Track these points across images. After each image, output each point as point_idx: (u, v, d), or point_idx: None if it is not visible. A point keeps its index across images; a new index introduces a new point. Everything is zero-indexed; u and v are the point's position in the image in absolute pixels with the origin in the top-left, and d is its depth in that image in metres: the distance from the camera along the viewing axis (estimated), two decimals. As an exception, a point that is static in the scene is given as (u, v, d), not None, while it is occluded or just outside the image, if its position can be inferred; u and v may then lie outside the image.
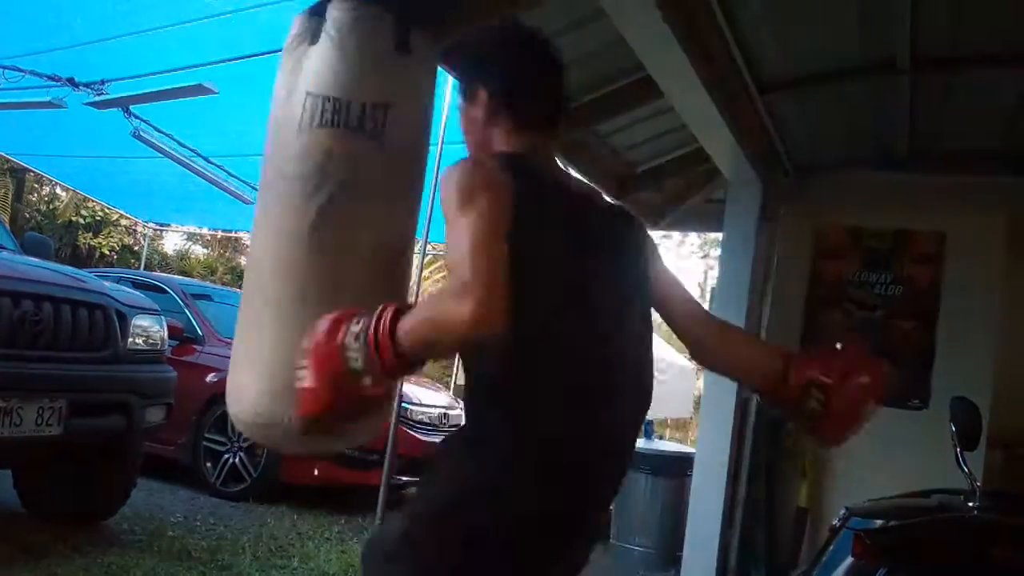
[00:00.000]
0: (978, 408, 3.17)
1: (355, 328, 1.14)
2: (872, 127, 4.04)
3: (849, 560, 2.94)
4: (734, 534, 4.62)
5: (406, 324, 1.12)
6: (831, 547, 3.07)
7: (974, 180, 4.07)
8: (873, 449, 4.26)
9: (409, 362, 1.15)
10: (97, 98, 5.39)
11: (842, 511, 3.12)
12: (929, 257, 4.23)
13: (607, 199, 1.65)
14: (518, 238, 1.21)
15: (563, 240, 1.35)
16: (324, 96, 1.74)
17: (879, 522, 2.92)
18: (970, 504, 3.09)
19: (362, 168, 1.74)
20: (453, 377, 14.50)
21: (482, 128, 1.50)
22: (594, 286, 1.37)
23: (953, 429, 3.14)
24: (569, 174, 1.65)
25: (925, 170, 4.15)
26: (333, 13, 1.78)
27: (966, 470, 3.07)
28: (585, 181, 1.75)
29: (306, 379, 1.17)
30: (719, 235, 5.06)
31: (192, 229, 14.94)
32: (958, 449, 3.10)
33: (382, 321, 1.13)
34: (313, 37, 1.80)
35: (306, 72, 1.78)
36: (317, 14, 1.79)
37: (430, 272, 17.52)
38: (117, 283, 4.74)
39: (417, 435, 5.68)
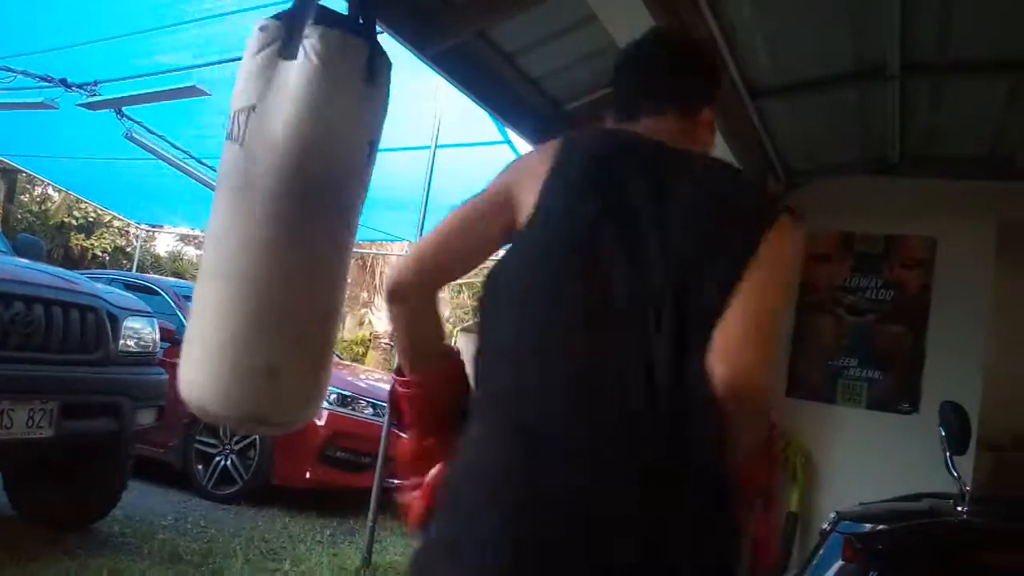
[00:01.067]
0: (967, 413, 3.20)
1: None
2: (863, 132, 4.07)
3: (839, 563, 2.95)
4: (725, 538, 4.62)
5: None
6: (821, 551, 3.08)
7: (964, 185, 4.09)
8: (863, 453, 4.29)
9: None
10: (90, 99, 5.38)
11: (832, 515, 3.14)
12: (919, 262, 4.26)
13: None
14: None
15: None
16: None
17: (868, 526, 2.94)
18: (959, 508, 3.11)
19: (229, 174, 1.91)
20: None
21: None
22: None
23: (943, 433, 3.16)
24: None
25: (916, 175, 4.18)
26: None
27: (955, 474, 3.09)
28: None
29: None
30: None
31: (185, 231, 14.91)
32: (947, 453, 3.13)
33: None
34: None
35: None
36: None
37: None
38: (109, 285, 4.73)
39: (409, 438, 5.68)
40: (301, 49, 1.82)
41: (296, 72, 1.82)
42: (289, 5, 1.90)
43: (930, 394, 3.90)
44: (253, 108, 1.83)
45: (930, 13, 2.93)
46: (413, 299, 1.27)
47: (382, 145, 2.05)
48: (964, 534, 3.08)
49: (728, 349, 1.03)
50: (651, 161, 1.21)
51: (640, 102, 1.33)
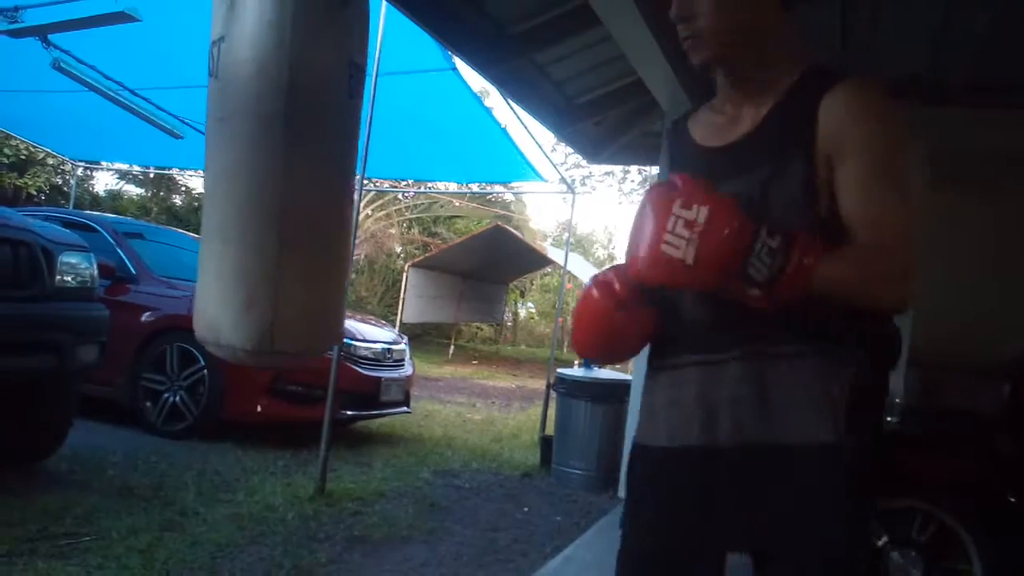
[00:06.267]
0: (898, 328, 3.32)
1: (770, 240, 1.06)
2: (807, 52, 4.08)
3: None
4: (670, 456, 4.78)
5: (827, 268, 1.08)
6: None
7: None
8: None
9: (796, 298, 1.09)
10: (11, 26, 5.11)
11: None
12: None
13: None
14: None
15: None
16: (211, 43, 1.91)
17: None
18: (888, 419, 3.27)
19: (211, 107, 1.89)
20: (399, 316, 14.51)
21: (765, 16, 1.23)
22: None
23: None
24: None
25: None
26: None
27: (886, 387, 3.23)
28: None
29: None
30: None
31: (123, 167, 14.45)
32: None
33: (812, 248, 1.08)
34: None
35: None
36: None
37: (372, 210, 17.32)
38: (45, 221, 4.59)
39: (360, 370, 5.70)
40: None
41: None
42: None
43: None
44: (222, 39, 1.85)
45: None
46: None
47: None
48: (890, 442, 3.24)
49: None
50: None
51: None
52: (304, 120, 1.84)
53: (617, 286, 1.23)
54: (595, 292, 1.26)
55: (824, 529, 1.14)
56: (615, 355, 1.41)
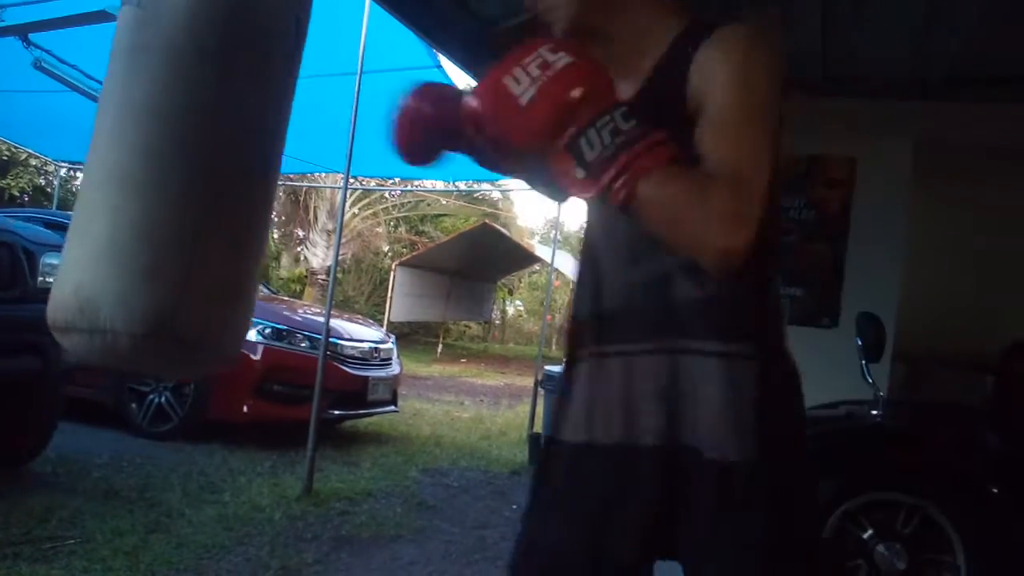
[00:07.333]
0: (882, 322, 3.35)
1: (622, 122, 0.94)
2: (788, 52, 4.10)
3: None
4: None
5: (667, 182, 0.95)
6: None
7: (883, 104, 4.17)
8: (786, 366, 4.46)
9: (624, 208, 0.96)
10: (-8, 25, 5.07)
11: (755, 423, 3.27)
12: (840, 182, 4.35)
13: None
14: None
15: None
16: None
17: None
18: (874, 412, 3.29)
19: (122, 37, 1.55)
20: (386, 314, 14.48)
21: None
22: None
23: (859, 343, 3.32)
24: None
25: (837, 94, 4.24)
26: None
27: (870, 380, 3.26)
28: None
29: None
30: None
31: (107, 168, 14.30)
32: (863, 361, 3.29)
33: (662, 151, 0.94)
34: None
35: None
36: None
37: (358, 209, 17.27)
38: (27, 222, 4.55)
39: (347, 370, 5.69)
40: None
41: None
42: None
43: (849, 309, 4.05)
44: None
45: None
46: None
47: (305, 73, 1.89)
48: (876, 435, 3.27)
49: None
50: None
51: None
52: (243, 51, 1.54)
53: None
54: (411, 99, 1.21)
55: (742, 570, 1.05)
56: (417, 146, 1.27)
